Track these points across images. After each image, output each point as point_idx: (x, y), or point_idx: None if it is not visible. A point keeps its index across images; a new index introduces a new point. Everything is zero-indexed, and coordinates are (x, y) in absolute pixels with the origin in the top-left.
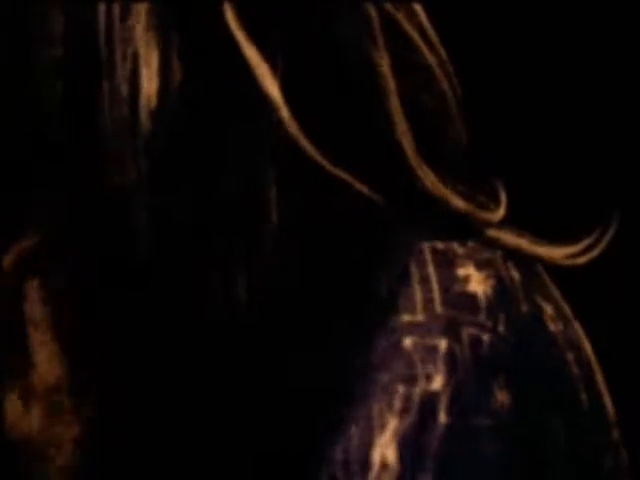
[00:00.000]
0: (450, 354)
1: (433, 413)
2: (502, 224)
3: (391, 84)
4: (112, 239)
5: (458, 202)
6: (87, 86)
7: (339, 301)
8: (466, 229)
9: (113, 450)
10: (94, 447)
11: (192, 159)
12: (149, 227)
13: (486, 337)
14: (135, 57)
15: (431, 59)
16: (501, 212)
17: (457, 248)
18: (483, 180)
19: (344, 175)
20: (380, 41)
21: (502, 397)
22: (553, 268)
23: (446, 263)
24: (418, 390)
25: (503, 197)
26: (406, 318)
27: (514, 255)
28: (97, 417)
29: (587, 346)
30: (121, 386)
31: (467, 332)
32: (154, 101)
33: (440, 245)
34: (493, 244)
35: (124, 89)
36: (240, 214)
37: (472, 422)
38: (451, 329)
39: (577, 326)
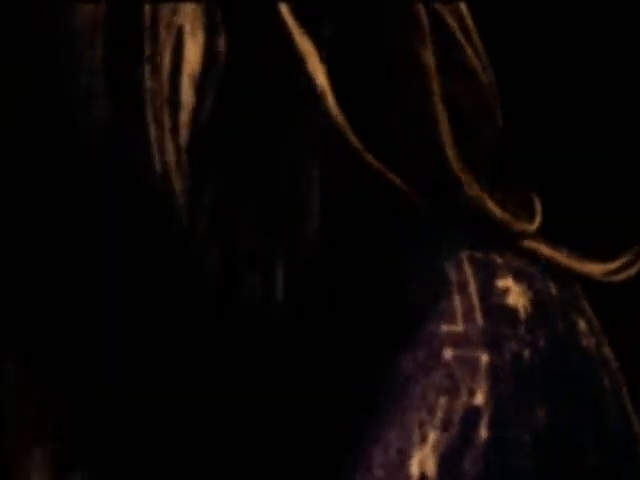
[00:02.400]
0: (492, 368)
1: (474, 428)
2: (537, 236)
3: (436, 85)
4: (150, 225)
5: (495, 209)
6: (128, 49)
7: (375, 304)
8: (503, 238)
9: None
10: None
11: (233, 142)
12: (186, 213)
13: (526, 352)
14: (180, 29)
15: (475, 62)
16: (536, 223)
17: (495, 258)
18: (517, 189)
19: (386, 172)
20: (428, 40)
21: (541, 413)
22: (583, 283)
23: (485, 273)
24: (460, 404)
25: (538, 208)
26: (445, 328)
27: (550, 268)
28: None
29: (615, 363)
30: (160, 385)
31: (508, 346)
32: (198, 74)
33: (478, 254)
34: (530, 255)
35: (167, 57)
36: (282, 208)
37: (512, 438)
38: (493, 343)
39: (606, 342)
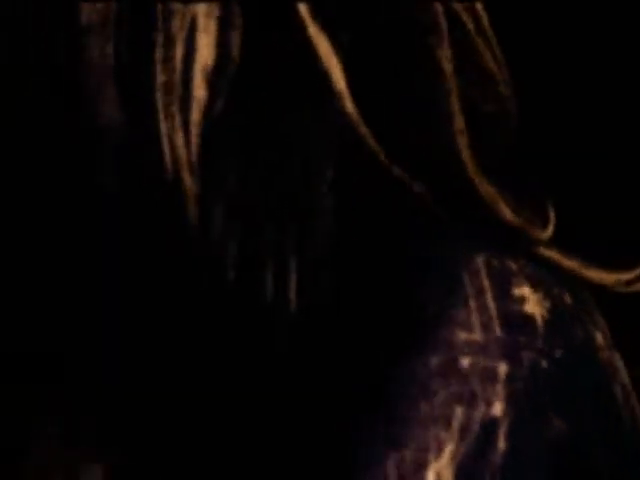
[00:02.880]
0: (510, 379)
1: (492, 438)
2: (550, 243)
3: (453, 85)
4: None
5: (508, 212)
6: (139, 42)
7: (389, 309)
8: (517, 245)
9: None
10: None
11: (245, 139)
12: (198, 210)
13: (544, 363)
14: (193, 22)
15: (492, 63)
16: (550, 231)
17: (511, 265)
18: (531, 196)
19: (400, 172)
20: (445, 40)
21: (558, 425)
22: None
23: (501, 280)
24: (478, 414)
25: (552, 215)
26: (462, 336)
27: (565, 277)
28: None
29: (625, 374)
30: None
31: (527, 357)
32: (210, 68)
33: (493, 260)
34: (544, 263)
35: (179, 51)
36: (294, 207)
37: (530, 449)
38: (511, 353)
39: (617, 353)
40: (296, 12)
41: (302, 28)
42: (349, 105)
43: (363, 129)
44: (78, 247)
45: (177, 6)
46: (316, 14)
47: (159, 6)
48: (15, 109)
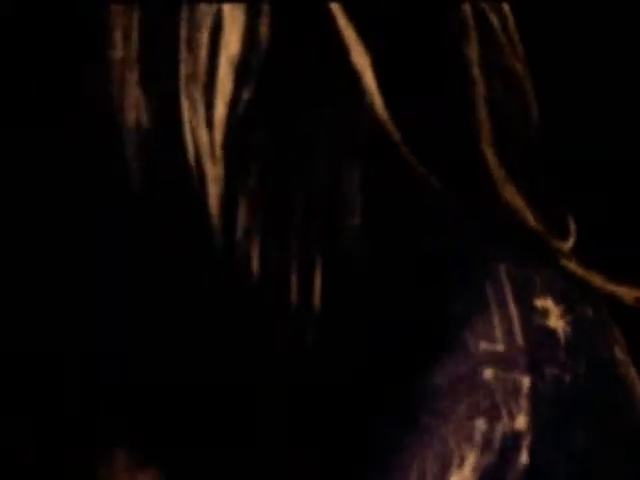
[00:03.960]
0: (534, 392)
1: (515, 452)
2: (571, 255)
3: (482, 91)
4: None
5: (533, 222)
6: (163, 32)
7: (412, 313)
8: (539, 255)
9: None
10: None
11: (270, 134)
12: (221, 203)
13: (567, 378)
14: (219, 11)
15: (517, 66)
16: (570, 243)
17: (533, 275)
18: (551, 208)
19: (427, 174)
20: (475, 42)
21: (580, 441)
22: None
23: (523, 290)
24: (501, 427)
25: (572, 228)
26: (484, 346)
27: (585, 289)
28: None
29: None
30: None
31: (550, 371)
32: (237, 59)
33: (516, 269)
34: (566, 275)
35: (204, 40)
36: (321, 204)
37: (553, 464)
38: (534, 366)
39: (633, 369)
40: (327, 8)
41: (333, 24)
42: (379, 104)
43: (392, 129)
44: (102, 248)
45: None
46: (348, 12)
47: None
48: (38, 106)
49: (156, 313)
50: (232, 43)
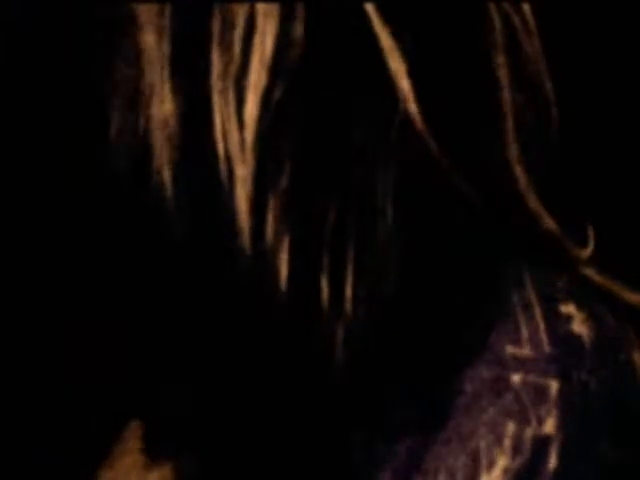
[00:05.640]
0: (562, 397)
1: (544, 456)
2: (590, 262)
3: (508, 96)
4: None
5: (555, 229)
6: (196, 29)
7: (440, 322)
8: (560, 262)
9: None
10: None
11: (303, 133)
12: (250, 201)
13: (593, 383)
14: (252, 9)
15: (539, 68)
16: (589, 250)
17: (556, 281)
18: (571, 215)
19: (458, 177)
20: (501, 45)
21: (606, 447)
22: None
23: (548, 296)
24: (530, 431)
25: (591, 235)
26: (511, 350)
27: (605, 296)
28: None
29: None
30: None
31: (576, 376)
32: (270, 57)
33: (540, 275)
34: (586, 282)
35: (237, 38)
36: (353, 208)
37: (581, 468)
38: (562, 371)
39: None
40: (362, 9)
41: (368, 25)
42: (412, 106)
43: (425, 131)
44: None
45: None
46: (382, 12)
47: None
48: (62, 105)
49: (181, 315)
50: (265, 42)
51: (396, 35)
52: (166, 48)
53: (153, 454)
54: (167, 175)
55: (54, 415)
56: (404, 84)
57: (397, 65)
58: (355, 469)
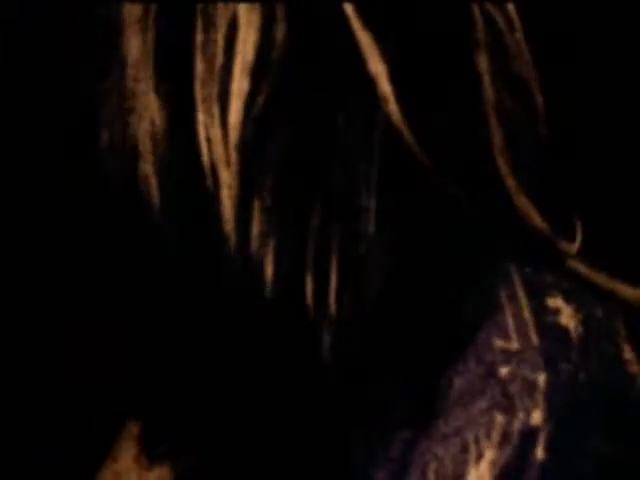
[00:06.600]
0: (549, 389)
1: (531, 448)
2: (578, 256)
3: (492, 95)
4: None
5: (542, 224)
6: (178, 35)
7: (427, 314)
8: (547, 256)
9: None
10: None
11: (286, 136)
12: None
13: (582, 376)
14: (234, 14)
15: (524, 67)
16: (577, 244)
17: (543, 275)
18: (558, 210)
19: (441, 177)
20: (483, 45)
21: (596, 440)
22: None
23: (535, 290)
24: (517, 423)
25: (579, 229)
26: (499, 343)
27: (594, 290)
28: None
29: None
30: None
31: (564, 368)
32: (252, 62)
33: (526, 269)
34: (574, 275)
35: (219, 43)
36: (336, 207)
37: (570, 462)
38: (549, 363)
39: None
40: (341, 10)
41: (348, 28)
42: (393, 108)
43: (406, 132)
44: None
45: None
46: (362, 15)
47: None
48: (49, 111)
49: (174, 316)
50: (248, 45)
51: (376, 36)
52: (150, 53)
53: (152, 454)
54: (153, 182)
55: (54, 415)
56: (384, 85)
57: (377, 66)
58: (353, 468)
